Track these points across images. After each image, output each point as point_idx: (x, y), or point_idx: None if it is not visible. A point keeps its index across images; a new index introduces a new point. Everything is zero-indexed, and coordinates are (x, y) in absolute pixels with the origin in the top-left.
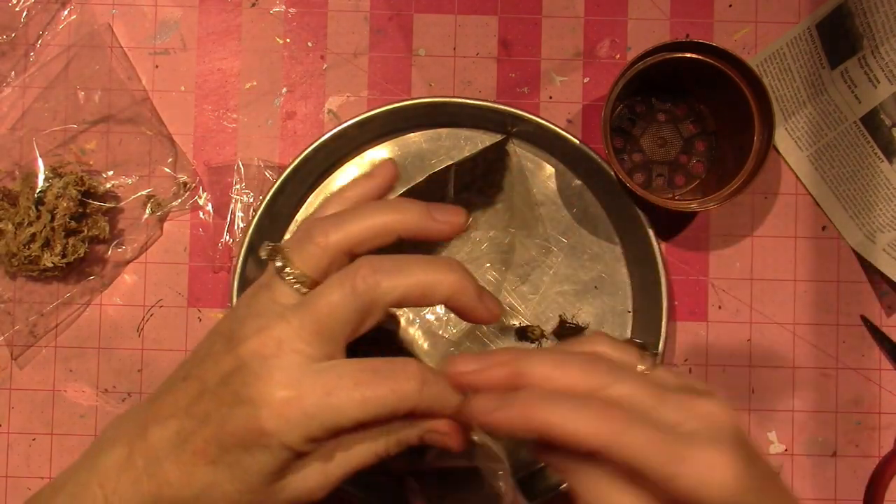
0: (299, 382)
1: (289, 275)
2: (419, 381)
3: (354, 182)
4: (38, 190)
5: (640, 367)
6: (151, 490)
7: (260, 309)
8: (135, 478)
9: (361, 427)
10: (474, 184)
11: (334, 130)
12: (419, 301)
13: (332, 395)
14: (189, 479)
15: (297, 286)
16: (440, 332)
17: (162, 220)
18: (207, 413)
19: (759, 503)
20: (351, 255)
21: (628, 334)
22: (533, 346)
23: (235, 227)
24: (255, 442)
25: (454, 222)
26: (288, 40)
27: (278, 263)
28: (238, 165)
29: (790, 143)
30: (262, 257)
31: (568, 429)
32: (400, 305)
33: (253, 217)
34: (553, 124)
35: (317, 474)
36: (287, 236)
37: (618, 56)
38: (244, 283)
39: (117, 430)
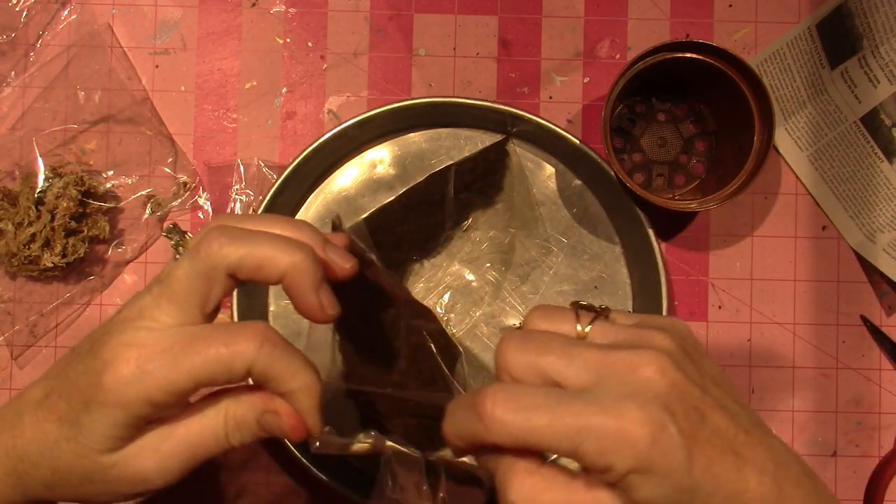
0: (142, 342)
1: (178, 255)
2: (258, 341)
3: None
4: (38, 190)
5: (580, 329)
6: (7, 444)
7: (147, 286)
8: (1, 432)
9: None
10: (474, 184)
11: (334, 130)
12: (254, 274)
13: (167, 352)
14: (37, 435)
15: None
16: None
17: (162, 220)
18: (68, 373)
19: (689, 461)
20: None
21: None
22: None
23: None
24: (93, 398)
25: (343, 266)
26: (288, 40)
27: (172, 242)
28: (238, 165)
29: (790, 143)
30: (163, 234)
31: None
32: (238, 276)
33: None
34: (553, 124)
35: (152, 453)
36: None
37: (618, 56)
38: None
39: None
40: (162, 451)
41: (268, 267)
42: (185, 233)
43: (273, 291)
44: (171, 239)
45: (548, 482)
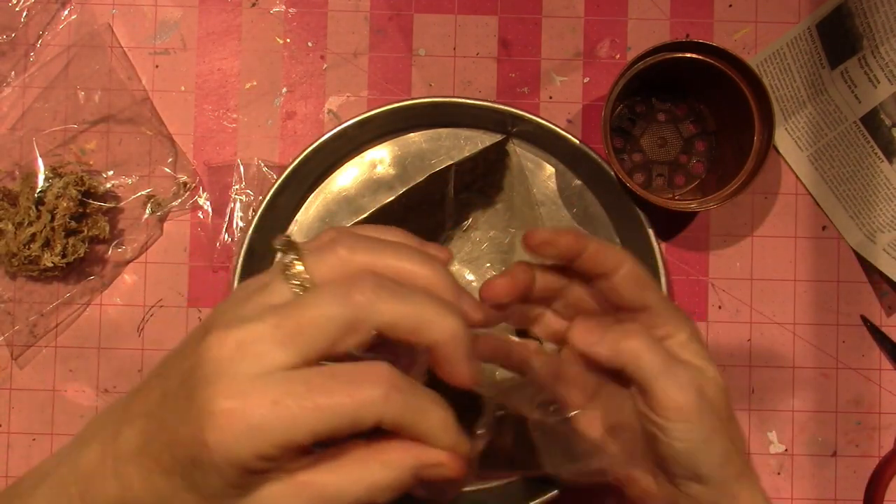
0: (247, 391)
1: (293, 275)
2: (385, 386)
3: (402, 233)
4: (38, 190)
5: None
6: (116, 493)
7: (246, 304)
8: (104, 479)
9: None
10: (474, 184)
11: (334, 130)
12: (406, 335)
13: (279, 404)
14: (149, 486)
15: (296, 289)
16: None
17: (162, 220)
18: (164, 417)
19: None
20: None
21: None
22: None
23: (234, 226)
24: (200, 456)
25: (473, 318)
26: (288, 40)
27: (288, 259)
28: (238, 165)
29: (790, 143)
30: (276, 248)
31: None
32: (386, 333)
33: (253, 217)
34: (553, 124)
35: (288, 499)
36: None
37: (618, 56)
38: None
39: (99, 424)
40: (305, 495)
41: (424, 332)
42: (300, 245)
43: None
44: (283, 254)
45: None
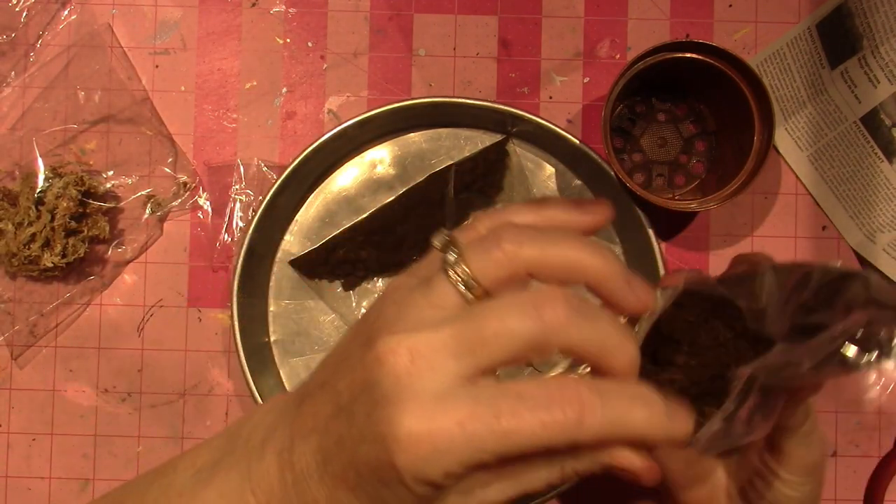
0: (432, 413)
1: (458, 275)
2: (578, 409)
3: (560, 203)
4: (38, 190)
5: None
6: None
7: (410, 308)
8: (284, 492)
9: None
10: (474, 184)
11: (334, 130)
12: (585, 357)
13: (466, 427)
14: (335, 502)
15: (463, 290)
16: None
17: (162, 220)
18: (342, 435)
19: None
20: (530, 278)
21: None
22: None
23: (234, 226)
24: (387, 476)
25: (647, 303)
26: (288, 40)
27: (451, 257)
28: (238, 165)
29: (790, 143)
30: (435, 246)
31: None
32: (564, 352)
33: (253, 217)
34: (553, 124)
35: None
36: (287, 237)
37: (618, 56)
38: (244, 283)
39: (268, 431)
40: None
41: (606, 358)
42: (461, 242)
43: (273, 292)
44: (447, 254)
45: None
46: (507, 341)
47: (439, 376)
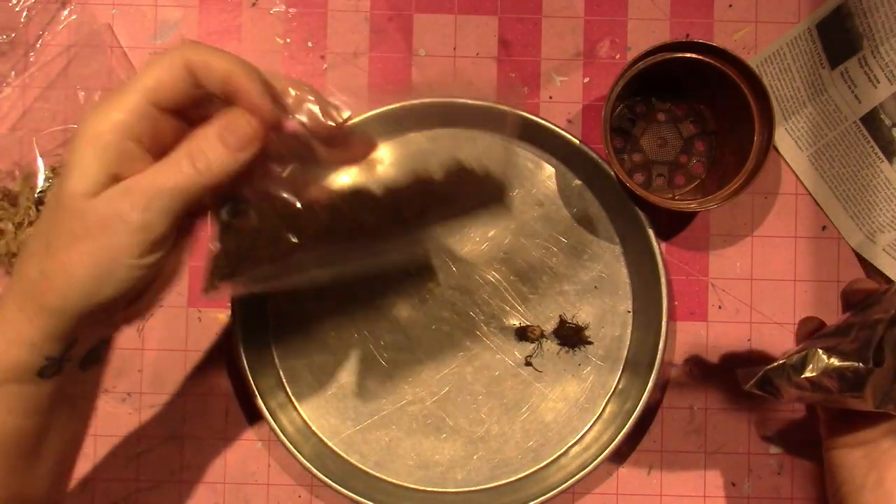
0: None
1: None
2: (181, 60)
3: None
4: (38, 190)
5: None
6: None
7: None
8: (24, 297)
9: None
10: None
11: None
12: (217, 81)
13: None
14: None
15: None
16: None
17: None
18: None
19: None
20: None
21: (628, 334)
22: (533, 346)
23: None
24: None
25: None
26: (288, 40)
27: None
28: None
29: (790, 143)
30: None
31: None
32: (199, 74)
33: None
34: (553, 124)
35: (122, 193)
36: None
37: (618, 56)
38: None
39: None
40: (133, 190)
41: (233, 78)
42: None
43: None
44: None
45: None
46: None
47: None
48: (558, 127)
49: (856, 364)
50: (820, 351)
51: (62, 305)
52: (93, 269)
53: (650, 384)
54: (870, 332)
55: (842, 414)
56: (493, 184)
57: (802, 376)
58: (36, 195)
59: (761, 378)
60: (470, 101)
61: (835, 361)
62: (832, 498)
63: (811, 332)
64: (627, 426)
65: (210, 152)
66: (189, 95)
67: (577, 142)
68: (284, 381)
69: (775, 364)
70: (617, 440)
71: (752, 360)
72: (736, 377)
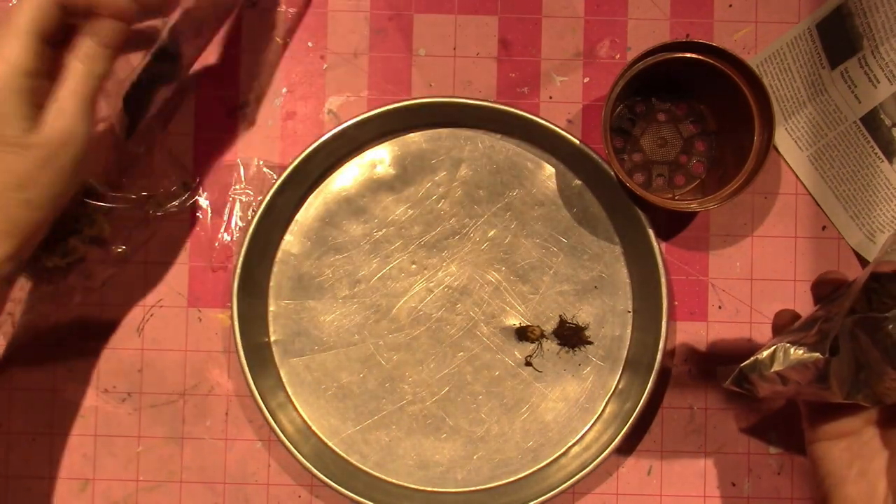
0: None
1: None
2: None
3: None
4: None
5: None
6: None
7: None
8: None
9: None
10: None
11: (334, 130)
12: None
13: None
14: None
15: None
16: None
17: (162, 219)
18: None
19: None
20: None
21: (628, 334)
22: (533, 346)
23: (233, 225)
24: None
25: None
26: (288, 40)
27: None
28: (238, 165)
29: (790, 143)
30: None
31: None
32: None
33: (253, 217)
34: (553, 124)
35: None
36: (287, 237)
37: (618, 56)
38: (244, 283)
39: None
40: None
41: None
42: None
43: (273, 292)
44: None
45: None
46: None
47: None
48: (558, 127)
49: (816, 355)
50: (787, 344)
51: None
52: None
53: (650, 384)
54: (830, 324)
55: (822, 407)
56: None
57: (772, 370)
58: None
59: (737, 375)
60: (470, 101)
61: (798, 354)
62: (816, 491)
63: (785, 325)
64: (627, 426)
65: (87, 44)
66: (61, 21)
67: (577, 142)
68: (284, 381)
69: (749, 361)
70: (617, 440)
71: None
72: (716, 375)
